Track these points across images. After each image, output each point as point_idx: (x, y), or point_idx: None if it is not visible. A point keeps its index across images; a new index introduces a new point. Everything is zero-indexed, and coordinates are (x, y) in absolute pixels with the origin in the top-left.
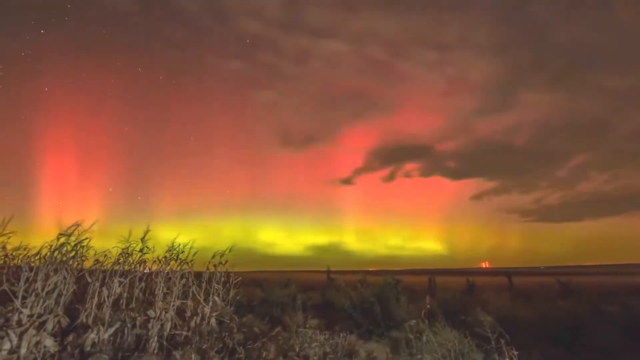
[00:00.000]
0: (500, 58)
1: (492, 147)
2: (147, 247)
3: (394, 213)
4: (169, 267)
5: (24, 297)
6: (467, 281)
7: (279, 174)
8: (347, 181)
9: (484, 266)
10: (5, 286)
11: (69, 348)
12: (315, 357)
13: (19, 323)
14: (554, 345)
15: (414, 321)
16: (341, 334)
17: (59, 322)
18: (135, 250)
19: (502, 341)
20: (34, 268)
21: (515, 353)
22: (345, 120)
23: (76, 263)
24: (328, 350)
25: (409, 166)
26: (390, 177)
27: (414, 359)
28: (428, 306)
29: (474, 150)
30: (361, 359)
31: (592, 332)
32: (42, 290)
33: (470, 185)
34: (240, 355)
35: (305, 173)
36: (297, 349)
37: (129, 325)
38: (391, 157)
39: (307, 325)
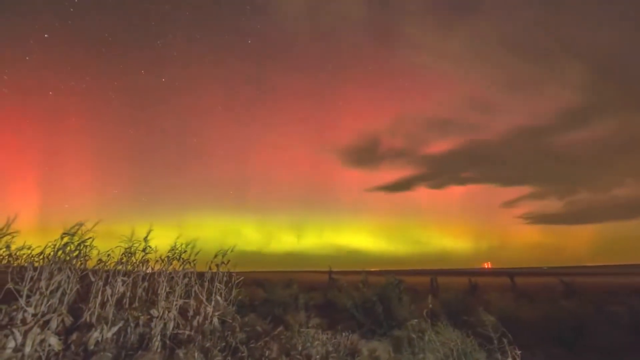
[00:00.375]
0: None
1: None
2: (150, 247)
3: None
4: (171, 267)
5: (28, 296)
6: (470, 281)
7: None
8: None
9: (486, 266)
10: (9, 285)
11: (72, 347)
12: (317, 356)
13: (24, 322)
14: (557, 345)
15: (415, 320)
16: (343, 334)
17: (62, 321)
18: (139, 250)
19: (505, 341)
20: (38, 267)
21: (518, 353)
22: None
23: (79, 263)
24: (330, 349)
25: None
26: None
27: (416, 358)
28: (430, 305)
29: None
30: (364, 357)
31: (595, 332)
32: (47, 289)
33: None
34: (243, 354)
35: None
36: (300, 348)
37: (132, 325)
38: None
39: (310, 325)
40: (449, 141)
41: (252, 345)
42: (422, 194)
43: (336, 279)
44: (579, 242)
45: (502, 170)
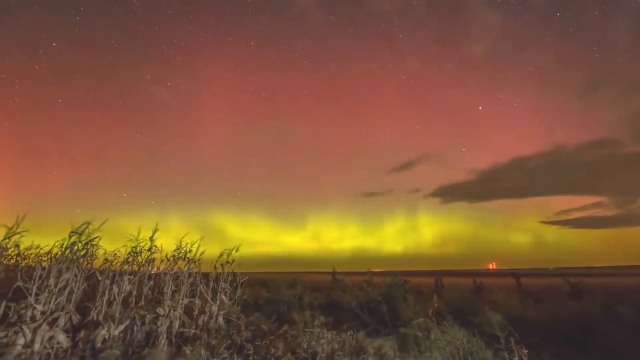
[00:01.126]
0: None
1: None
2: (155, 246)
3: None
4: (176, 266)
5: (36, 294)
6: (474, 282)
7: None
8: None
9: (491, 267)
10: (19, 283)
11: (80, 344)
12: (323, 354)
13: (33, 319)
14: (564, 345)
15: (421, 319)
16: (348, 332)
17: (70, 318)
18: (144, 249)
19: (512, 339)
20: (47, 266)
21: (525, 352)
22: None
23: (86, 262)
24: (336, 347)
25: None
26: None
27: (423, 356)
28: (435, 304)
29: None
30: (370, 355)
31: (604, 333)
32: (55, 286)
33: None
34: (249, 352)
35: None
36: (305, 346)
37: (139, 323)
38: None
39: (315, 323)
40: None
41: (257, 343)
42: None
43: (340, 279)
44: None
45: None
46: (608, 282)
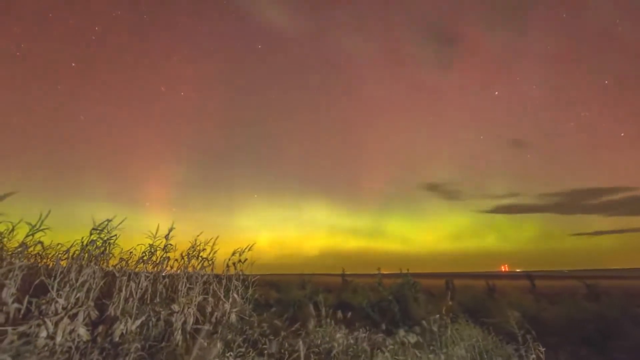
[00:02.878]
0: None
1: None
2: (170, 245)
3: None
4: (190, 266)
5: (57, 289)
6: (487, 284)
7: None
8: None
9: (503, 269)
10: (42, 277)
11: (99, 339)
12: (339, 348)
13: (55, 312)
14: (582, 345)
15: (437, 315)
16: (360, 329)
17: (88, 314)
18: (159, 248)
19: (529, 337)
20: (67, 263)
21: (542, 350)
22: None
23: (103, 261)
24: (352, 341)
25: None
26: None
27: (440, 352)
28: (450, 302)
29: None
30: (386, 351)
31: (622, 334)
32: (76, 281)
33: None
34: (264, 346)
35: None
36: (319, 342)
37: (154, 319)
38: None
39: (328, 319)
40: None
41: (271, 338)
42: None
43: (349, 280)
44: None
45: None
46: (627, 284)
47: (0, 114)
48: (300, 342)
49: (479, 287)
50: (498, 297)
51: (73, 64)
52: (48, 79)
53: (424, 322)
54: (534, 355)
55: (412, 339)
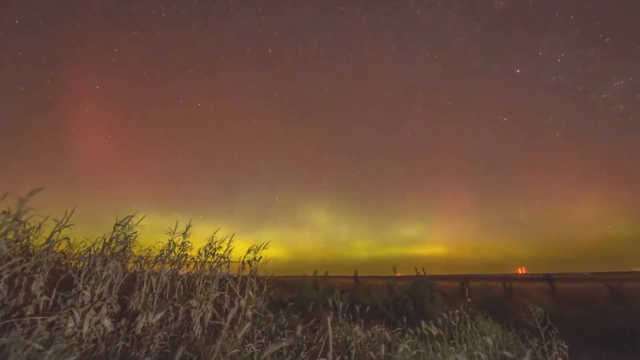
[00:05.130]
0: None
1: None
2: (188, 242)
3: None
4: (207, 263)
5: (83, 283)
6: (504, 285)
7: None
8: None
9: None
10: (69, 272)
11: (121, 332)
12: (357, 341)
13: (81, 304)
14: (605, 346)
15: (456, 310)
16: (376, 326)
17: (111, 308)
18: (177, 245)
19: (552, 333)
20: (92, 256)
21: (566, 346)
22: None
23: (124, 259)
24: (370, 335)
25: None
26: None
27: (460, 346)
28: (468, 299)
29: None
30: (405, 342)
31: None
32: (101, 274)
33: None
34: (283, 338)
35: None
36: (336, 336)
37: (172, 314)
38: None
39: (345, 314)
40: None
41: (290, 331)
42: None
43: (362, 282)
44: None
45: None
46: None
47: (35, 136)
48: (330, 329)
49: (496, 289)
50: (516, 298)
51: (97, 87)
52: (77, 103)
53: (444, 315)
54: (556, 352)
55: (434, 331)
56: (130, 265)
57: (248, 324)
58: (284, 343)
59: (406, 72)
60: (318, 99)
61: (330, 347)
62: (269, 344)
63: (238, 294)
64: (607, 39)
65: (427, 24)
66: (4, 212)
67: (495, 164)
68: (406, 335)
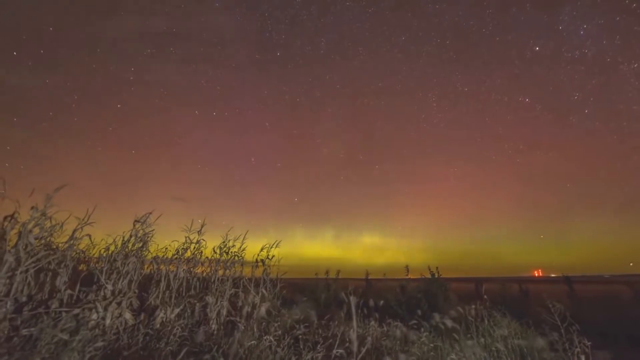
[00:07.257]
0: None
1: None
2: (204, 240)
3: None
4: (221, 262)
5: (105, 278)
6: (520, 287)
7: None
8: None
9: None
10: (90, 267)
11: (141, 326)
12: (373, 335)
13: (104, 298)
14: (627, 347)
15: (473, 306)
16: (390, 321)
17: (131, 303)
18: (193, 242)
19: (572, 329)
20: (112, 253)
21: (588, 344)
22: None
23: (141, 257)
24: (386, 329)
25: None
26: None
27: (476, 341)
28: (485, 296)
29: None
30: (418, 342)
31: None
32: (122, 269)
33: None
34: (298, 332)
35: None
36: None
37: (189, 311)
38: None
39: (359, 310)
40: None
41: (306, 325)
42: None
43: (374, 284)
44: None
45: None
46: None
47: (64, 158)
48: (355, 317)
49: (511, 290)
50: (533, 299)
51: (119, 105)
52: (101, 122)
53: (459, 309)
54: (578, 349)
55: (449, 323)
56: (147, 266)
57: (263, 315)
58: (302, 330)
59: (418, 62)
60: (330, 98)
61: (355, 335)
62: (285, 337)
63: (252, 290)
64: (634, 5)
65: (436, 9)
66: (33, 207)
67: (519, 147)
68: (422, 329)
